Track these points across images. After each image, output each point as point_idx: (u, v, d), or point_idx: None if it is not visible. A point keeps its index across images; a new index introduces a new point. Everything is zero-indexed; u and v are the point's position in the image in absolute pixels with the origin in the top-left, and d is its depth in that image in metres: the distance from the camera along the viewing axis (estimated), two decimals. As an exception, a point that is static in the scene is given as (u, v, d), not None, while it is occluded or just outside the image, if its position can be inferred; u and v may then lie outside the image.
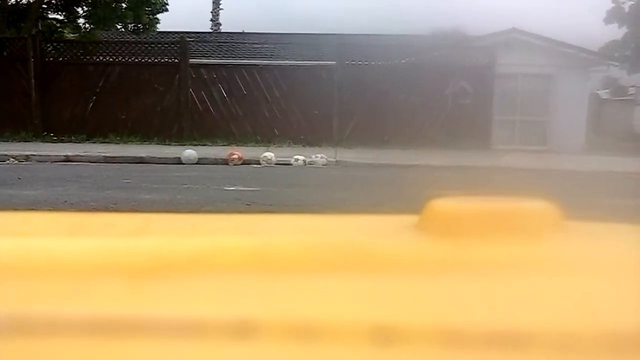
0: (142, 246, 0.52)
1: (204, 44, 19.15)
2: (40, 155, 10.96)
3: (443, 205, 0.56)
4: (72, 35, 19.60)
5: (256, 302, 0.45)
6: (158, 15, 21.70)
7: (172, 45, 14.88)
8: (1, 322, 0.41)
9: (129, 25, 21.74)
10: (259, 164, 10.93)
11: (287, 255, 0.51)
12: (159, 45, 15.08)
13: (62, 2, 19.45)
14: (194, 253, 0.51)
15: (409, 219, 0.60)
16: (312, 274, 0.49)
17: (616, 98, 22.88)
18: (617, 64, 19.87)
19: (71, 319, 0.42)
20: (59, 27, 20.29)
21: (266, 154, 11.25)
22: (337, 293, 0.47)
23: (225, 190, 7.48)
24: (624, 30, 26.46)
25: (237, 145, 13.11)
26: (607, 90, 23.95)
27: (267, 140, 14.12)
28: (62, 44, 15.48)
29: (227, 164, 10.95)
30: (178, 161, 11.04)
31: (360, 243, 0.55)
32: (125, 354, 0.40)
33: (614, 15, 26.42)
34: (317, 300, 0.45)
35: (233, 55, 17.97)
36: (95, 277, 0.48)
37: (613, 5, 26.36)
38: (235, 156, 11.09)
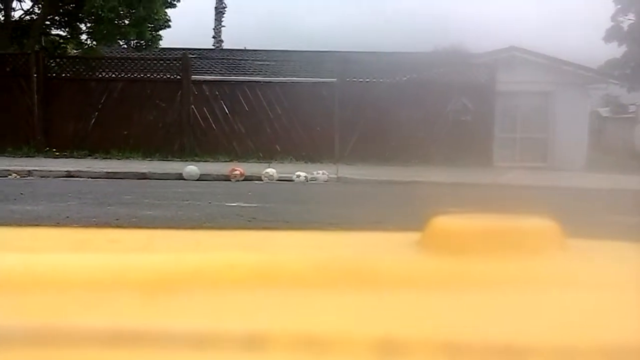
0: (148, 262, 0.52)
1: (206, 60, 19.24)
2: (42, 171, 10.97)
3: (445, 223, 0.56)
4: (75, 51, 19.71)
5: (263, 316, 0.45)
6: (160, 32, 21.82)
7: (175, 62, 14.95)
8: (13, 335, 0.41)
9: (132, 41, 21.85)
10: (261, 180, 10.93)
11: (293, 271, 0.51)
12: (161, 62, 15.15)
13: (65, 18, 19.57)
14: (200, 268, 0.51)
15: (412, 236, 0.60)
16: (318, 289, 0.49)
17: (617, 116, 22.93)
18: (617, 82, 19.95)
19: (81, 332, 0.42)
20: (62, 43, 20.40)
21: (268, 170, 11.26)
22: (342, 308, 0.47)
23: (227, 206, 7.47)
24: (623, 48, 26.54)
25: (239, 162, 13.12)
26: (607, 108, 23.99)
27: (269, 156, 14.13)
28: (65, 60, 15.56)
29: (229, 180, 10.95)
30: (180, 177, 11.04)
31: (364, 260, 0.55)
32: None
33: (614, 34, 26.51)
34: (323, 315, 0.45)
35: (235, 72, 18.05)
36: (103, 292, 0.48)
37: (612, 24, 26.48)
38: (237, 172, 11.10)
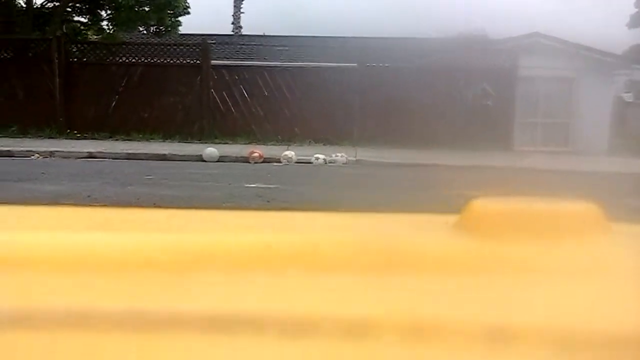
0: (178, 243, 0.52)
1: (226, 46, 19.26)
2: (64, 152, 11.09)
3: (483, 205, 0.56)
4: (95, 37, 19.87)
5: (305, 299, 0.45)
6: (180, 18, 21.94)
7: (194, 47, 14.98)
8: (41, 312, 0.41)
9: (152, 27, 22.00)
10: (280, 162, 10.95)
11: (331, 253, 0.50)
12: (181, 47, 15.19)
13: (86, 5, 19.72)
14: (232, 249, 0.50)
15: (449, 219, 0.59)
16: (358, 272, 0.48)
17: (640, 102, 22.57)
18: (640, 67, 19.60)
19: (109, 312, 0.41)
20: (83, 29, 20.58)
21: (287, 152, 11.27)
22: (383, 292, 0.46)
23: (246, 187, 7.50)
24: (648, 34, 26.12)
25: (257, 144, 13.15)
26: (630, 94, 23.64)
27: (287, 139, 14.14)
28: (85, 45, 15.67)
29: (248, 162, 10.98)
30: (200, 159, 11.10)
31: (403, 242, 0.54)
32: (157, 346, 0.40)
33: (638, 20, 26.10)
34: (365, 299, 0.45)
35: (254, 58, 18.04)
36: (129, 271, 0.48)
37: (636, 9, 26.06)
38: (256, 154, 11.13)
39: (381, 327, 0.39)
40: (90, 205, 0.84)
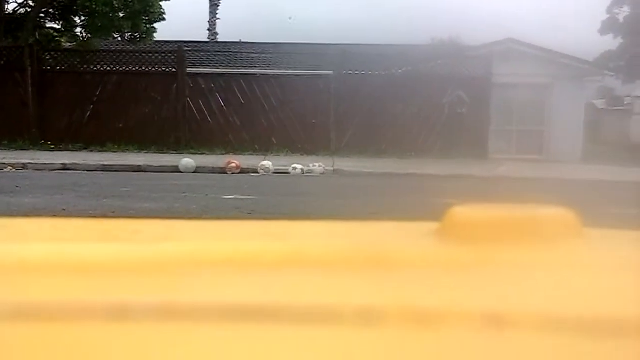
0: (176, 250, 0.53)
1: (201, 53, 19.18)
2: (37, 164, 10.95)
3: (464, 213, 0.58)
4: (69, 44, 19.67)
5: (293, 292, 0.47)
6: (155, 25, 21.81)
7: (170, 55, 14.91)
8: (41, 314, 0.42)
9: (127, 34, 21.84)
10: (257, 172, 10.94)
11: (319, 258, 0.53)
12: (156, 55, 15.11)
13: (60, 11, 19.54)
14: (226, 256, 0.52)
15: (429, 226, 0.62)
16: (342, 272, 0.51)
17: (612, 108, 23.03)
18: (612, 74, 20.01)
19: (97, 307, 0.43)
20: (57, 36, 20.37)
21: (264, 162, 11.26)
22: (368, 286, 0.48)
23: (224, 198, 7.47)
24: (618, 40, 26.65)
25: (235, 154, 13.11)
26: (603, 101, 24.08)
27: (265, 149, 14.13)
28: (59, 53, 15.50)
29: (225, 172, 10.95)
30: (176, 170, 11.04)
31: (387, 248, 0.56)
32: (144, 337, 0.41)
33: (609, 26, 26.61)
34: (350, 298, 0.46)
35: (230, 65, 18.00)
36: (129, 278, 0.49)
37: (608, 16, 26.57)
38: (233, 165, 11.10)
39: (372, 316, 0.41)
40: (67, 217, 0.87)
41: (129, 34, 21.68)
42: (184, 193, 7.86)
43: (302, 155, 13.67)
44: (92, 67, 14.77)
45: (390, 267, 0.52)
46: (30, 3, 18.88)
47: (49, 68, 14.68)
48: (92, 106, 14.50)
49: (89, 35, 19.48)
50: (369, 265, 0.52)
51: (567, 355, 0.40)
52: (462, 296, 0.47)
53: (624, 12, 26.33)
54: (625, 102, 23.64)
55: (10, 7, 18.81)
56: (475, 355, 0.40)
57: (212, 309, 0.42)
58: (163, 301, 0.44)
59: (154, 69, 14.73)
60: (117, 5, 18.05)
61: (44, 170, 10.64)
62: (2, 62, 14.58)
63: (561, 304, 0.45)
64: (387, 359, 0.39)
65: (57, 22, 20.33)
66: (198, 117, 14.68)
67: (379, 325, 0.41)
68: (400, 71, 14.77)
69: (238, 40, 22.91)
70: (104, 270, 0.50)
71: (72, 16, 19.67)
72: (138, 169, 11.04)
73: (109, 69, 14.72)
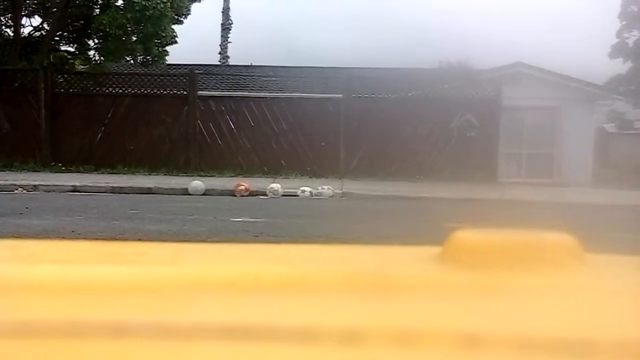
0: (179, 272, 0.54)
1: (213, 76, 19.36)
2: (48, 185, 11.01)
3: (466, 237, 0.58)
4: (82, 67, 19.87)
5: (293, 314, 0.48)
6: (167, 48, 22.00)
7: (181, 78, 15.04)
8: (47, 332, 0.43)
9: (139, 57, 22.04)
10: (266, 195, 10.94)
11: (319, 282, 0.53)
12: (168, 77, 15.25)
13: (74, 35, 19.76)
14: (229, 279, 0.53)
15: (432, 250, 0.62)
16: (344, 296, 0.51)
17: (622, 132, 22.92)
18: (622, 98, 19.95)
19: (101, 325, 0.44)
20: (70, 59, 20.58)
21: (273, 185, 11.27)
22: (367, 310, 0.49)
23: (233, 221, 7.48)
24: (628, 64, 26.59)
25: (244, 177, 13.14)
26: (612, 124, 23.98)
27: (274, 171, 14.16)
28: (72, 76, 15.66)
29: (234, 195, 10.96)
30: (185, 192, 11.07)
31: (388, 272, 0.57)
32: (146, 355, 0.42)
33: (619, 50, 26.58)
34: (348, 315, 0.47)
35: (241, 88, 18.15)
36: (135, 299, 0.50)
37: (617, 40, 26.56)
38: (242, 187, 11.12)
39: (367, 339, 0.41)
40: (82, 239, 0.87)
41: (141, 57, 21.86)
42: (193, 215, 7.88)
43: (311, 177, 13.68)
44: (104, 89, 14.91)
45: (390, 291, 0.52)
46: (45, 27, 19.15)
47: (62, 90, 14.83)
48: (103, 128, 14.62)
49: (102, 58, 19.67)
50: (368, 289, 0.52)
51: None
52: (458, 320, 0.47)
53: (634, 36, 26.31)
54: (636, 126, 23.54)
55: (25, 31, 19.08)
56: None
57: (211, 330, 0.43)
58: (164, 321, 0.45)
59: (165, 92, 14.85)
60: (129, 29, 18.24)
61: (55, 191, 10.70)
62: (16, 85, 14.76)
63: (558, 328, 0.45)
64: None
65: (71, 45, 20.55)
66: (208, 140, 14.75)
67: (372, 347, 0.41)
68: (409, 94, 14.81)
69: (249, 64, 23.09)
70: (108, 291, 0.51)
71: (86, 39, 19.88)
72: (148, 191, 11.08)
73: (120, 91, 14.86)
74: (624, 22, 26.14)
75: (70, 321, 0.44)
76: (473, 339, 0.42)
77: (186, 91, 14.76)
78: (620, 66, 26.72)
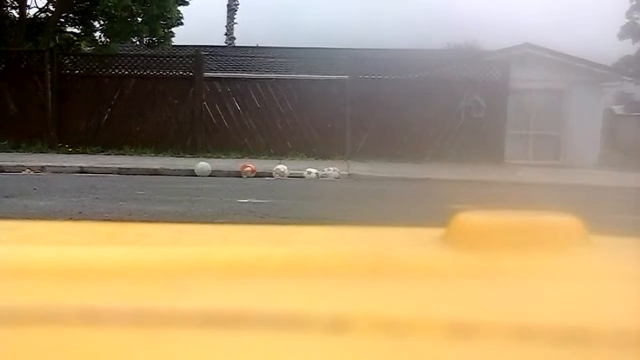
0: (178, 254, 0.55)
1: (219, 57, 19.31)
2: (55, 167, 11.06)
3: (469, 219, 0.58)
4: (88, 48, 19.86)
5: (295, 299, 0.48)
6: (173, 29, 21.95)
7: (187, 59, 15.00)
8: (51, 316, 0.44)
9: (145, 38, 22.01)
10: (272, 176, 10.95)
11: (321, 264, 0.53)
12: (174, 59, 15.20)
13: (79, 16, 19.72)
14: (230, 261, 0.53)
15: (435, 232, 0.62)
16: (346, 278, 0.51)
17: (630, 113, 22.73)
18: (630, 79, 19.76)
19: (111, 311, 0.44)
20: (76, 41, 20.58)
21: (279, 166, 11.27)
22: (367, 293, 0.49)
23: (239, 202, 7.49)
24: (638, 45, 26.36)
25: (250, 158, 13.15)
26: (621, 106, 23.80)
27: (280, 153, 14.16)
28: (78, 57, 15.65)
29: (240, 176, 10.98)
30: (192, 173, 11.09)
31: (391, 254, 0.57)
32: (155, 340, 0.42)
33: (628, 31, 26.32)
34: (349, 299, 0.48)
35: (247, 69, 18.10)
36: (134, 282, 0.50)
37: (627, 20, 26.29)
38: (248, 169, 11.13)
39: (363, 324, 0.42)
40: (83, 220, 0.86)
41: (147, 38, 21.84)
42: (199, 196, 7.90)
43: (317, 159, 13.67)
44: (110, 71, 14.89)
45: (390, 273, 0.52)
46: (51, 8, 19.11)
47: (68, 72, 14.82)
48: (109, 110, 14.63)
49: (108, 39, 19.64)
50: (369, 271, 0.52)
51: None
52: (458, 303, 0.47)
53: (644, 17, 26.04)
54: (644, 108, 23.32)
55: (31, 12, 19.05)
56: None
57: (203, 315, 0.43)
58: (157, 305, 0.45)
59: (171, 73, 14.82)
60: (135, 10, 18.19)
61: (62, 172, 10.74)
62: (23, 66, 14.76)
63: (562, 313, 0.45)
64: None
65: (77, 26, 20.52)
66: (214, 121, 14.75)
67: (368, 331, 0.42)
68: (416, 76, 14.72)
69: (255, 45, 23.01)
70: (107, 273, 0.51)
71: (92, 21, 19.85)
72: (154, 172, 11.10)
73: (127, 73, 14.83)
74: (634, 3, 25.83)
75: (65, 305, 0.45)
76: (475, 325, 0.42)
77: (192, 72, 14.73)
78: (630, 47, 26.51)
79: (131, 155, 13.76)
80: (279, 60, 18.12)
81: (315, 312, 0.44)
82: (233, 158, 13.51)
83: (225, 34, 31.34)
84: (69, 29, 20.78)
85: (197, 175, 10.99)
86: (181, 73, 14.80)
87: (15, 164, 11.02)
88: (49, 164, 11.25)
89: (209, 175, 11.04)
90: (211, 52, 18.90)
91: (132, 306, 0.45)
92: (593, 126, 15.85)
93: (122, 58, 15.44)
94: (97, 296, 0.47)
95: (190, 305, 0.45)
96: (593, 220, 0.65)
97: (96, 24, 20.02)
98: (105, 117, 14.62)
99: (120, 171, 11.04)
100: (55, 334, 0.42)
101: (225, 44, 28.12)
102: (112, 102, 14.63)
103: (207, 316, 0.43)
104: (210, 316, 0.43)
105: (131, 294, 0.48)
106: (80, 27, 20.41)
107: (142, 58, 15.27)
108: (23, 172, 10.63)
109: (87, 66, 15.01)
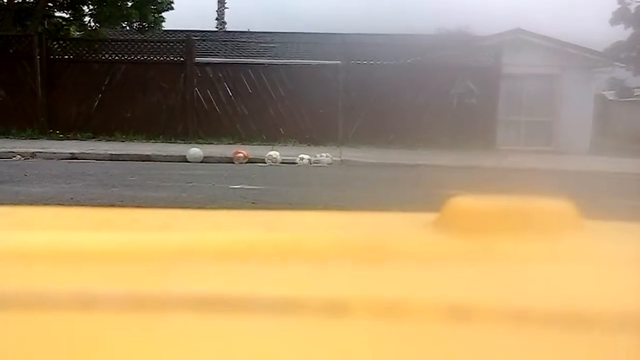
0: (170, 239, 0.54)
1: (210, 42, 19.18)
2: (46, 153, 11.00)
3: (462, 203, 0.58)
4: (77, 33, 19.66)
5: (288, 282, 0.47)
6: (163, 14, 21.74)
7: (178, 44, 14.90)
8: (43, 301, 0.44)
9: (135, 23, 21.81)
10: (264, 162, 10.95)
11: (314, 248, 0.53)
12: (165, 44, 15.10)
13: (68, 0, 19.51)
14: (222, 245, 0.53)
15: (428, 217, 0.62)
16: (339, 262, 0.51)
17: (622, 99, 22.84)
18: (622, 65, 19.86)
19: (107, 296, 0.44)
20: (65, 25, 20.35)
21: (271, 152, 11.26)
22: (360, 277, 0.49)
23: (231, 188, 7.49)
24: (630, 31, 26.39)
25: (242, 144, 13.13)
26: (612, 92, 23.89)
27: (272, 139, 14.14)
28: (67, 42, 15.50)
29: (232, 162, 10.97)
30: (183, 159, 11.07)
31: (384, 238, 0.57)
32: (153, 323, 0.42)
33: (620, 16, 26.34)
34: (342, 283, 0.47)
35: (238, 54, 18.00)
36: (125, 267, 0.50)
37: (619, 6, 26.30)
38: (240, 155, 11.12)
39: (357, 307, 0.42)
40: (74, 206, 0.87)
41: (137, 23, 21.62)
42: (191, 182, 7.88)
43: (309, 145, 13.68)
44: (100, 56, 14.78)
45: (383, 257, 0.52)
46: (39, -8, 18.89)
47: (57, 57, 14.70)
48: (100, 95, 14.54)
49: (97, 24, 19.44)
50: (362, 255, 0.52)
51: (568, 349, 0.40)
52: (452, 288, 0.47)
53: (636, 2, 26.05)
54: (636, 94, 23.44)
55: (19, -4, 18.83)
56: (472, 348, 0.40)
57: (202, 299, 0.43)
58: (149, 290, 0.45)
59: (162, 59, 14.74)
60: (125, -6, 18.03)
61: (53, 159, 10.69)
62: (11, 51, 14.61)
63: (557, 295, 0.45)
64: (370, 349, 0.39)
65: (66, 11, 20.29)
66: (206, 107, 14.69)
67: (361, 316, 0.41)
68: (408, 61, 14.71)
69: (246, 30, 22.88)
70: (100, 258, 0.51)
71: (81, 5, 19.63)
72: (146, 158, 11.07)
73: (117, 58, 14.73)
74: (626, -12, 25.84)
75: (59, 289, 0.44)
76: (468, 308, 0.42)
77: (183, 58, 14.65)
78: (622, 32, 26.54)
79: (122, 141, 13.70)
80: (271, 45, 18.03)
81: (309, 296, 0.44)
82: (225, 144, 13.48)
83: (216, 19, 31.14)
84: (57, 14, 20.55)
85: (188, 162, 10.97)
86: (172, 58, 14.72)
87: (5, 150, 10.95)
88: (40, 150, 11.19)
89: (200, 162, 11.03)
90: (202, 37, 18.78)
91: (125, 290, 0.44)
92: (585, 112, 15.91)
93: (112, 43, 15.33)
94: (90, 280, 0.47)
95: (183, 289, 0.45)
96: (586, 205, 0.65)
97: (85, 8, 19.81)
98: (96, 103, 14.53)
99: (112, 157, 11.00)
100: (49, 318, 0.42)
101: (216, 29, 27.93)
102: (103, 88, 14.54)
103: (200, 301, 0.43)
104: (203, 301, 0.43)
105: (124, 278, 0.48)
106: (69, 11, 20.18)
107: (132, 43, 15.16)
108: (13, 159, 10.57)
109: (77, 51, 14.88)
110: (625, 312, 0.42)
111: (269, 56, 16.86)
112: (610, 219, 0.68)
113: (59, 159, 10.68)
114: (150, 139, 14.02)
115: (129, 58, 14.70)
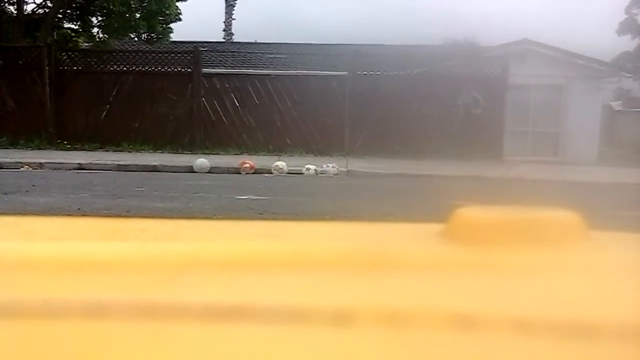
0: (177, 249, 0.55)
1: (217, 53, 19.26)
2: (53, 163, 11.03)
3: (469, 214, 0.58)
4: (86, 44, 19.82)
5: (294, 293, 0.48)
6: (171, 25, 21.93)
7: (185, 55, 14.98)
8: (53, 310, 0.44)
9: (143, 34, 21.98)
10: (271, 173, 10.95)
11: (320, 259, 0.53)
12: (172, 55, 15.18)
13: (77, 12, 19.68)
14: (228, 256, 0.53)
15: (435, 227, 0.62)
16: (345, 272, 0.51)
17: (629, 109, 22.75)
18: (629, 75, 19.78)
19: (114, 305, 0.44)
20: (74, 37, 20.53)
21: (278, 163, 11.26)
22: (366, 288, 0.49)
23: (238, 199, 7.48)
24: (636, 41, 26.37)
25: (249, 155, 13.15)
26: (619, 102, 23.81)
27: (278, 149, 14.15)
28: (76, 53, 15.62)
29: (239, 173, 10.97)
30: (190, 170, 11.08)
31: (390, 249, 0.57)
32: (158, 333, 0.42)
33: (627, 27, 26.32)
34: (348, 293, 0.47)
35: (245, 65, 18.06)
36: (133, 276, 0.50)
37: (626, 16, 26.29)
38: (247, 165, 11.12)
39: (362, 317, 0.42)
40: (83, 216, 0.86)
41: (146, 34, 21.81)
42: (198, 193, 7.88)
43: (315, 155, 13.68)
44: (108, 67, 14.88)
45: (389, 268, 0.52)
46: (49, 4, 19.06)
47: (66, 68, 14.80)
48: (108, 106, 14.61)
49: (106, 35, 19.63)
50: (368, 266, 0.52)
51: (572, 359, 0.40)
52: (458, 298, 0.47)
53: (643, 13, 26.03)
54: (643, 104, 23.34)
55: (29, 8, 19.02)
56: (478, 358, 0.40)
57: (203, 309, 0.43)
58: (156, 299, 0.45)
59: (169, 69, 14.81)
60: (133, 6, 18.18)
61: (60, 169, 10.72)
62: (21, 62, 14.73)
63: (563, 306, 0.45)
64: (376, 358, 0.40)
65: (75, 22, 20.50)
66: (213, 117, 14.74)
67: (368, 326, 0.41)
68: (414, 72, 14.71)
69: (253, 41, 23.01)
70: (108, 268, 0.51)
71: (89, 16, 19.82)
72: (153, 169, 11.09)
73: (125, 69, 14.81)
74: (633, -2, 25.82)
75: (67, 298, 0.45)
76: (473, 318, 0.42)
77: (190, 69, 14.71)
78: (629, 43, 26.53)
79: (130, 151, 13.74)
80: (278, 56, 18.09)
81: (316, 305, 0.44)
82: (232, 154, 13.50)
83: (224, 30, 31.30)
84: (66, 25, 20.74)
85: (195, 172, 10.97)
86: (179, 69, 14.79)
87: (13, 160, 11.00)
88: (48, 160, 11.22)
89: (207, 172, 11.03)
90: (209, 48, 18.87)
91: (132, 300, 0.45)
92: (592, 122, 15.85)
93: (120, 54, 15.43)
94: (98, 290, 0.47)
95: (190, 299, 0.45)
96: (592, 216, 0.64)
97: (94, 19, 20.00)
98: (104, 114, 14.60)
99: (119, 167, 11.03)
100: (57, 327, 0.42)
101: (223, 40, 28.06)
102: (111, 99, 14.62)
103: (207, 310, 0.43)
104: (210, 310, 0.43)
105: (131, 288, 0.48)
106: (78, 22, 20.38)
107: (140, 54, 15.25)
108: (22, 169, 10.61)
109: (85, 62, 14.99)
110: (631, 323, 0.42)
111: (275, 67, 16.91)
112: (617, 230, 0.68)
113: (66, 170, 10.71)
114: (158, 149, 14.06)
115: (137, 69, 14.78)
